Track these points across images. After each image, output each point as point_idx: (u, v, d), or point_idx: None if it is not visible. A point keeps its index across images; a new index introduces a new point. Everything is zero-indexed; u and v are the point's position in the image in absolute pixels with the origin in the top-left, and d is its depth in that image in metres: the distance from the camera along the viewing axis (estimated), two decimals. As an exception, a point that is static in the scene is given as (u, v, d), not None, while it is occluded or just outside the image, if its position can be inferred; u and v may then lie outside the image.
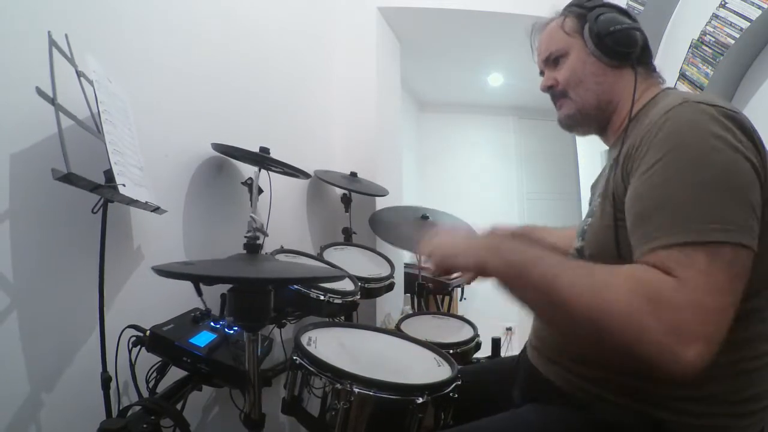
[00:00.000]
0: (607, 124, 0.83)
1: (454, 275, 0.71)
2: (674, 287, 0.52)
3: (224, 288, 0.78)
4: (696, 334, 0.50)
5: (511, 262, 0.62)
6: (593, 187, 0.86)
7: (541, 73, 0.89)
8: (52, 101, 0.69)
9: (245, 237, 0.82)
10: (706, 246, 0.53)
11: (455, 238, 0.71)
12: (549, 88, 0.86)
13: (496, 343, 1.78)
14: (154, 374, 0.93)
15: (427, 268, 0.73)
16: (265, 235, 0.81)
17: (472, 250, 0.66)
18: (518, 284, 0.62)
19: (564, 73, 0.83)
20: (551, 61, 0.85)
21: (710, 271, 0.52)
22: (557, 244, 0.93)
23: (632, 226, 0.61)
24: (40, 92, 0.68)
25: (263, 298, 0.76)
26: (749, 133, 0.60)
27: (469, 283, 0.69)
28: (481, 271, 0.65)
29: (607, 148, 0.87)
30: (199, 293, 0.80)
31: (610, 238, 0.67)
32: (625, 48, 0.77)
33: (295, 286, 1.13)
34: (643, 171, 0.60)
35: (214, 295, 1.04)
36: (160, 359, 0.93)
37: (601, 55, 0.78)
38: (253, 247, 0.82)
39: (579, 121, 0.85)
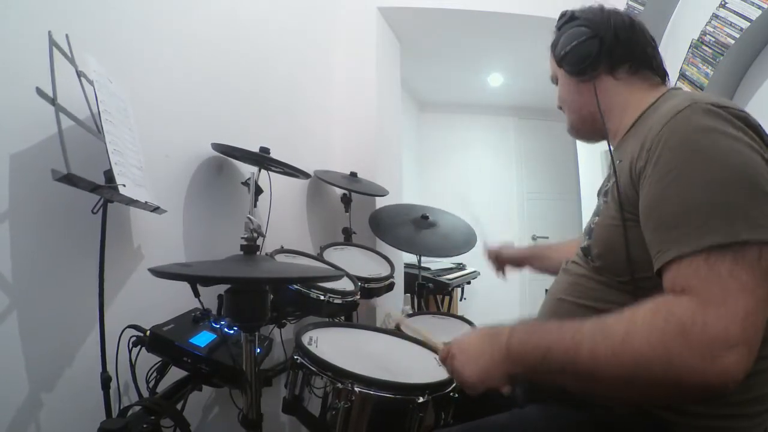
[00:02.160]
0: (605, 131, 0.83)
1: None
2: (698, 307, 0.52)
3: (223, 288, 0.78)
4: (730, 343, 0.50)
5: (529, 365, 0.63)
6: (600, 191, 0.86)
7: None
8: (53, 101, 0.69)
9: (242, 238, 0.82)
10: (731, 247, 0.53)
11: (467, 364, 0.70)
12: (559, 108, 0.92)
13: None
14: (154, 374, 0.93)
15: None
16: (262, 236, 0.81)
17: (491, 371, 0.67)
18: (545, 377, 0.63)
19: (557, 95, 0.89)
20: (556, 82, 0.91)
21: (734, 275, 0.52)
22: (563, 259, 0.95)
23: (653, 233, 0.60)
24: (40, 92, 0.68)
25: (260, 298, 0.76)
26: (759, 132, 0.60)
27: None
28: (512, 380, 0.66)
29: (608, 149, 0.88)
30: (196, 294, 0.80)
31: (619, 238, 0.67)
32: (583, 63, 0.80)
33: (295, 286, 1.13)
34: (658, 177, 0.60)
35: (213, 295, 1.04)
36: (160, 359, 0.93)
37: (570, 75, 0.83)
38: (249, 247, 0.82)
39: (576, 135, 0.91)
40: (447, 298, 2.93)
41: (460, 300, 3.09)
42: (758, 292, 0.52)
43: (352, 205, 1.96)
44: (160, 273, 0.66)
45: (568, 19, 0.84)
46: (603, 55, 0.78)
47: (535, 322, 0.71)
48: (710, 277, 0.53)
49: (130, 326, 0.90)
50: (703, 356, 0.50)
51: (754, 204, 0.54)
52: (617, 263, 0.68)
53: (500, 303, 3.98)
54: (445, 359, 0.75)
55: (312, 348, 0.94)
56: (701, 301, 0.52)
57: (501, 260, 1.25)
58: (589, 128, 0.86)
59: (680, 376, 0.51)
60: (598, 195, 0.83)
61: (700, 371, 0.51)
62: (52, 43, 0.73)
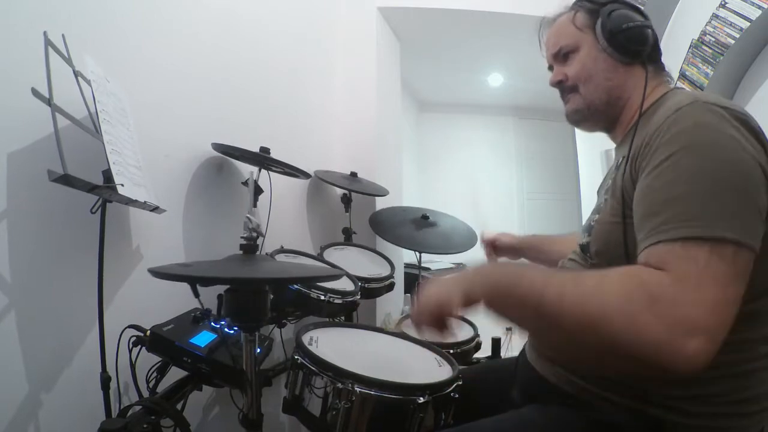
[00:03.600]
0: (616, 120, 0.82)
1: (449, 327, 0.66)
2: (672, 282, 0.51)
3: (223, 288, 0.78)
4: (696, 327, 0.49)
5: (496, 283, 0.61)
6: (600, 188, 0.86)
7: (550, 68, 0.88)
8: (48, 102, 0.69)
9: (242, 238, 0.82)
10: (709, 242, 0.52)
11: (439, 282, 0.66)
12: (558, 83, 0.85)
13: (496, 343, 1.79)
14: (155, 374, 0.93)
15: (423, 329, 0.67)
16: (262, 235, 0.80)
17: (457, 282, 0.64)
18: (506, 304, 0.61)
19: (574, 68, 0.82)
20: (561, 56, 0.84)
21: (710, 264, 0.52)
22: (561, 251, 0.93)
23: (639, 222, 0.61)
24: (36, 93, 0.68)
25: (259, 298, 0.76)
26: (758, 135, 0.60)
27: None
28: (469, 299, 0.62)
29: (607, 148, 0.88)
30: (196, 294, 0.80)
31: (618, 235, 0.67)
32: (637, 46, 0.77)
33: (296, 286, 1.13)
34: (651, 168, 0.60)
35: (213, 295, 1.04)
36: (160, 359, 0.93)
37: (613, 51, 0.78)
38: (249, 247, 0.82)
39: (586, 117, 0.84)
40: (447, 298, 2.93)
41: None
42: (730, 289, 0.52)
43: (352, 205, 1.96)
44: (159, 273, 0.66)
45: (613, 0, 0.80)
46: (652, 46, 0.78)
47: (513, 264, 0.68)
48: (685, 259, 0.52)
49: (130, 326, 0.89)
50: (668, 330, 0.49)
51: (737, 205, 0.55)
52: (616, 261, 0.67)
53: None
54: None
55: (312, 348, 0.93)
56: (675, 277, 0.52)
57: (497, 248, 1.22)
58: (611, 112, 0.81)
59: (639, 340, 0.51)
60: (598, 193, 0.83)
61: (663, 345, 0.50)
62: (48, 44, 0.72)
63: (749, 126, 0.60)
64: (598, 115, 0.82)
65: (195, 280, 0.72)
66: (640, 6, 0.81)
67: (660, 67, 0.81)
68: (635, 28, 0.77)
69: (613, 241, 0.68)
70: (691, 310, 0.50)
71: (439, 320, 0.64)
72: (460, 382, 0.90)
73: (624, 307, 0.52)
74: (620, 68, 0.79)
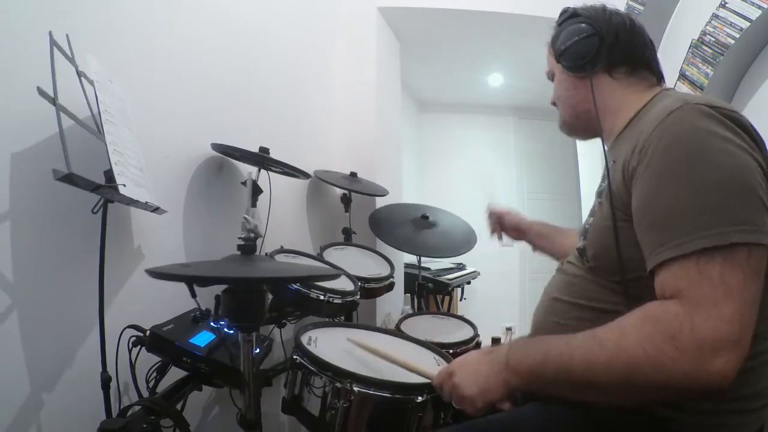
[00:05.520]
0: (598, 129, 0.84)
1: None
2: (688, 311, 0.53)
3: (221, 288, 0.78)
4: (718, 346, 0.51)
5: (527, 374, 0.65)
6: (597, 190, 0.87)
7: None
8: (53, 101, 0.70)
9: (239, 238, 0.82)
10: (721, 250, 0.53)
11: (466, 377, 0.71)
12: (553, 104, 0.93)
13: (496, 343, 1.79)
14: (154, 374, 0.93)
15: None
16: (260, 236, 0.80)
17: (490, 382, 0.68)
18: (543, 386, 0.65)
19: (553, 91, 0.90)
20: (552, 79, 0.91)
21: (723, 278, 0.53)
22: (572, 245, 0.95)
23: (645, 233, 0.61)
24: (42, 92, 0.68)
25: (257, 298, 0.76)
26: (750, 133, 0.60)
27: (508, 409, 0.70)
28: (510, 392, 0.67)
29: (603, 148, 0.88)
30: (193, 295, 0.80)
31: (611, 238, 0.67)
32: (579, 61, 0.80)
33: (295, 286, 1.13)
34: (651, 177, 0.60)
35: (210, 296, 1.04)
36: (160, 359, 0.93)
37: (567, 70, 0.83)
38: (247, 248, 0.82)
39: (569, 131, 0.91)
40: (447, 298, 2.94)
41: (460, 300, 3.09)
42: (746, 293, 0.53)
43: (352, 205, 1.96)
44: (156, 274, 0.66)
45: (569, 15, 0.84)
46: (602, 53, 0.79)
47: (532, 338, 0.73)
48: (700, 281, 0.54)
49: (130, 326, 0.90)
50: (693, 359, 0.52)
51: (744, 206, 0.55)
52: (610, 264, 0.68)
53: (500, 303, 3.99)
54: (443, 382, 0.75)
55: (311, 348, 0.94)
56: (689, 304, 0.53)
57: (502, 224, 1.24)
58: (583, 125, 0.87)
59: (672, 379, 0.53)
60: (596, 195, 0.83)
61: (692, 374, 0.52)
62: (53, 44, 0.73)
63: (741, 124, 0.60)
64: (576, 129, 0.89)
65: (192, 280, 0.72)
66: (589, 14, 0.81)
67: (634, 68, 0.80)
68: (573, 44, 0.80)
69: (606, 244, 0.68)
70: (711, 331, 0.51)
71: (479, 412, 0.70)
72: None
73: (648, 354, 0.54)
74: (579, 84, 0.83)
